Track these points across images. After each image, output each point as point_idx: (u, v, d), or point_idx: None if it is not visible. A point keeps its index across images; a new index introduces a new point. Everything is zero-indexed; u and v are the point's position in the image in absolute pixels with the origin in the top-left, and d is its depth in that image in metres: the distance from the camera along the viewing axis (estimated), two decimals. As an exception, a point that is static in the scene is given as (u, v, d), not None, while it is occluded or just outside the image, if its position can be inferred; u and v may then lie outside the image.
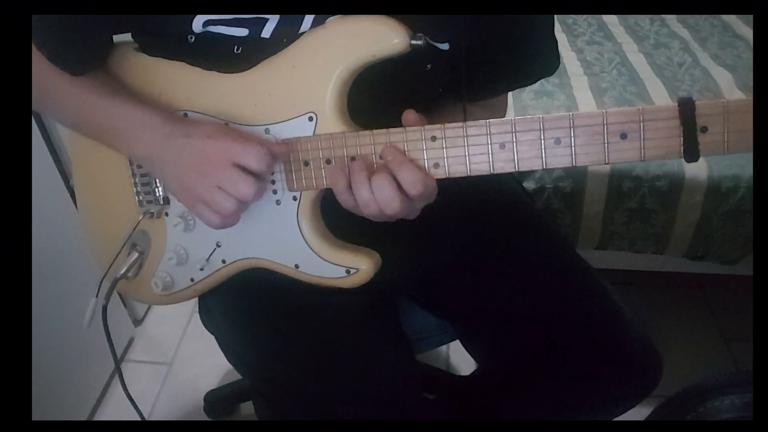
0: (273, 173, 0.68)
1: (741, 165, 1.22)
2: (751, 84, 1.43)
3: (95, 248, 0.84)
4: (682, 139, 0.55)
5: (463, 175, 0.62)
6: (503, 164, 0.60)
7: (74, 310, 1.24)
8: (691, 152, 0.55)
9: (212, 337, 0.88)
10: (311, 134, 0.65)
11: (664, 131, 0.55)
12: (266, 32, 0.65)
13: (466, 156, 0.61)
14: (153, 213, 0.75)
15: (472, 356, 0.92)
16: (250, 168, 0.62)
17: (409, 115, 0.62)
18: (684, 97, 0.54)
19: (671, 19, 1.79)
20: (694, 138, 0.55)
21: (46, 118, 1.23)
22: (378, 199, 0.61)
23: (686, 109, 0.54)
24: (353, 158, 0.64)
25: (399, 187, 0.60)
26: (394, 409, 0.72)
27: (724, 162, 1.22)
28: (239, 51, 0.67)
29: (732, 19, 1.78)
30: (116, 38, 0.75)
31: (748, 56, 1.56)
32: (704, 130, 0.54)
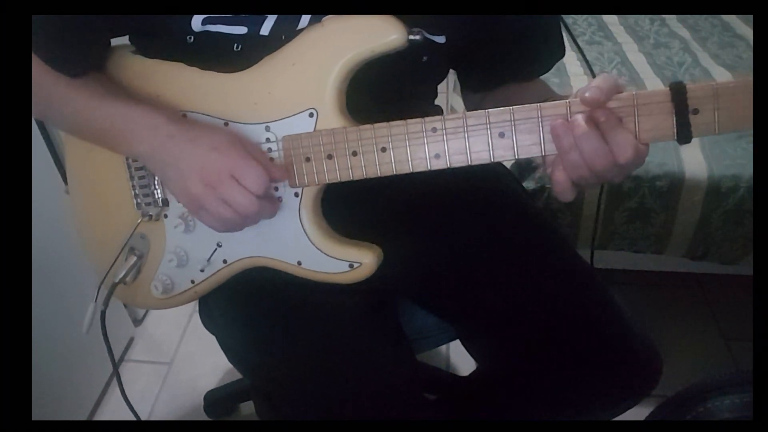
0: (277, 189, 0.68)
1: (741, 165, 1.22)
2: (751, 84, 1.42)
3: (91, 253, 0.84)
4: (675, 121, 0.57)
5: (464, 164, 0.63)
6: (503, 152, 0.61)
7: (74, 311, 1.24)
8: (684, 134, 0.57)
9: (212, 336, 0.88)
10: (312, 130, 0.66)
11: (657, 115, 0.57)
12: (265, 30, 0.66)
13: (466, 146, 0.62)
14: (151, 215, 0.75)
15: (472, 356, 0.92)
16: (245, 187, 0.62)
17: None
18: (676, 81, 0.57)
19: (671, 19, 1.80)
20: (686, 120, 0.56)
21: (48, 124, 1.23)
22: (586, 156, 0.58)
23: (678, 93, 0.56)
24: (354, 153, 0.64)
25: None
26: (395, 409, 0.72)
27: (724, 162, 1.22)
28: (239, 49, 0.67)
29: (732, 19, 1.78)
30: (113, 42, 0.74)
31: (748, 56, 1.56)
32: (696, 112, 0.56)
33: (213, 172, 0.62)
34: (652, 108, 0.57)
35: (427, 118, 0.62)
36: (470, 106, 0.89)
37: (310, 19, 0.65)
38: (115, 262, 0.77)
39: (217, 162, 0.63)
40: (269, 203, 0.67)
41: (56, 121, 0.77)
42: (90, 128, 0.71)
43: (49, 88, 0.68)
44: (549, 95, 0.76)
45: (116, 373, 0.82)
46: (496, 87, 0.84)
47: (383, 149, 0.64)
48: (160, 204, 0.74)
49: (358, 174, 0.65)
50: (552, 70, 1.52)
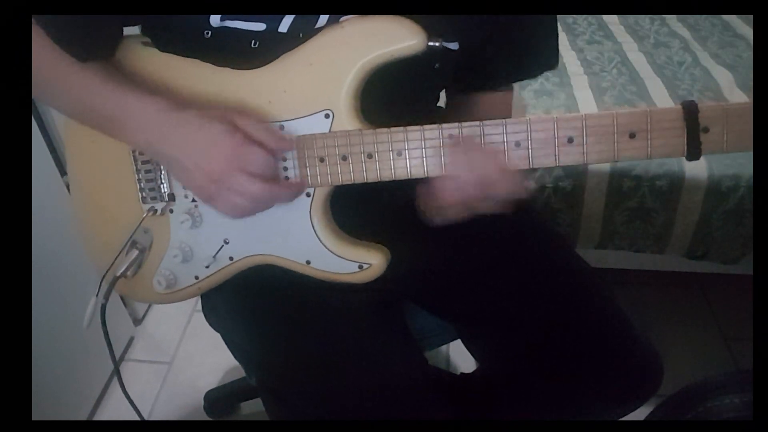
0: (287, 170, 0.68)
1: (741, 164, 1.22)
2: (751, 83, 1.43)
3: (91, 246, 0.83)
4: (685, 138, 0.58)
5: None
6: (518, 161, 0.62)
7: (74, 310, 1.24)
8: (694, 151, 0.59)
9: (213, 336, 0.88)
10: (327, 131, 0.66)
11: (669, 131, 0.59)
12: (283, 27, 0.65)
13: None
14: (157, 210, 0.74)
15: (473, 356, 0.92)
16: (253, 173, 0.62)
17: None
18: (688, 100, 0.58)
19: (671, 19, 1.80)
20: (696, 138, 0.58)
21: (45, 116, 1.22)
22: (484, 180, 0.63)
23: (690, 111, 0.57)
24: (370, 155, 0.64)
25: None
26: (406, 408, 0.71)
27: (724, 161, 1.22)
28: (256, 45, 0.67)
29: (732, 19, 1.78)
30: (126, 31, 0.73)
31: (748, 56, 1.56)
32: (706, 130, 0.58)
33: (217, 168, 0.62)
34: (664, 125, 0.58)
35: (444, 125, 0.63)
36: (452, 106, 0.89)
37: (329, 17, 0.65)
38: (119, 255, 0.77)
39: (219, 156, 0.62)
40: (283, 188, 0.66)
41: (59, 106, 0.76)
42: (91, 115, 0.70)
43: (54, 72, 0.68)
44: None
45: (116, 370, 0.82)
46: (483, 91, 0.84)
47: (399, 153, 0.64)
48: (166, 199, 0.74)
49: (373, 176, 0.66)
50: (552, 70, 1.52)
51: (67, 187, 1.22)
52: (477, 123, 0.62)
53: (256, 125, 0.65)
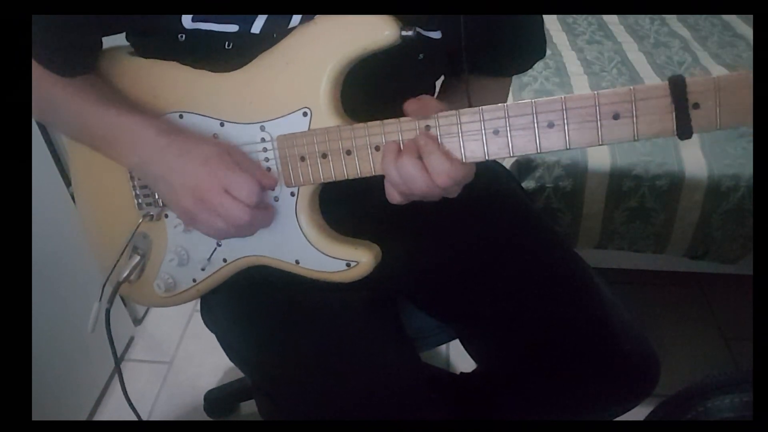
0: (270, 171, 0.68)
1: (741, 164, 1.22)
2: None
3: (96, 252, 0.84)
4: (674, 116, 0.55)
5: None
6: (498, 150, 0.61)
7: (74, 310, 1.24)
8: (684, 129, 0.55)
9: (212, 336, 0.88)
10: (306, 129, 0.66)
11: (656, 110, 0.56)
12: (256, 28, 0.65)
13: (460, 144, 0.61)
14: (152, 215, 0.75)
15: (471, 356, 0.92)
16: (237, 198, 0.63)
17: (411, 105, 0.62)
18: (675, 75, 0.55)
19: (671, 18, 1.80)
20: (686, 115, 0.55)
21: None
22: (403, 179, 0.61)
23: (677, 87, 0.54)
24: (348, 152, 0.64)
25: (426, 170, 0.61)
26: (400, 408, 0.71)
27: (725, 161, 1.22)
28: (230, 47, 0.67)
29: (732, 19, 1.78)
30: (113, 43, 0.74)
31: (748, 55, 1.56)
32: (696, 106, 0.55)
33: (204, 187, 0.63)
34: (651, 103, 0.56)
35: (421, 116, 0.62)
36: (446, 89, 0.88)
37: (302, 17, 0.65)
38: (118, 261, 0.78)
39: (208, 176, 0.63)
40: (263, 213, 0.67)
41: (55, 125, 0.77)
42: (85, 135, 0.71)
43: (48, 93, 0.68)
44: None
45: (118, 370, 0.82)
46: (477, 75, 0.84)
47: (377, 148, 0.64)
48: (160, 204, 0.75)
49: (353, 173, 0.65)
50: (552, 70, 1.53)
51: (70, 192, 1.23)
52: (453, 112, 0.61)
53: (246, 156, 0.66)
